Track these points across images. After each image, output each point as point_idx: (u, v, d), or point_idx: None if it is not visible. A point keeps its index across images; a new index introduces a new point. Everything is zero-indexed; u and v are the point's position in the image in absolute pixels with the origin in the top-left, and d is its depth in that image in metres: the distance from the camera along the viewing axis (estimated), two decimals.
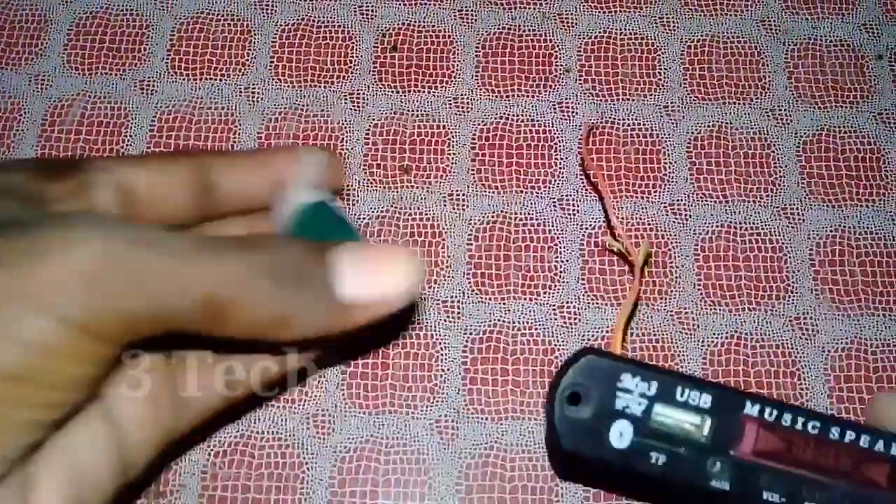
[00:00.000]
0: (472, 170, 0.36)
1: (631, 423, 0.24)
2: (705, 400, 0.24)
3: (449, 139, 0.36)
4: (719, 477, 0.24)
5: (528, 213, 0.35)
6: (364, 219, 0.35)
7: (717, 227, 0.35)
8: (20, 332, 0.19)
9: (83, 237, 0.19)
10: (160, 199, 0.25)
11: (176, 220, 0.26)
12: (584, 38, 0.38)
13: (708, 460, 0.24)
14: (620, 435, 0.24)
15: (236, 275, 0.20)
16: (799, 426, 0.24)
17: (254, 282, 0.20)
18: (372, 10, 0.39)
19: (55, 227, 0.20)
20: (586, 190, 0.35)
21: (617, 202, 0.35)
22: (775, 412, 0.24)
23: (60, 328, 0.19)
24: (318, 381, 0.32)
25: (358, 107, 0.37)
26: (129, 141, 0.36)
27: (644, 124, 0.37)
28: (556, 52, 0.38)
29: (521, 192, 0.35)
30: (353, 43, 0.38)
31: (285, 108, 0.37)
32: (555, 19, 0.39)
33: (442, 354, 0.33)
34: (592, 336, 0.33)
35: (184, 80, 0.37)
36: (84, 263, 0.19)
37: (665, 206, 0.35)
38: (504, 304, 0.33)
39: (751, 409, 0.24)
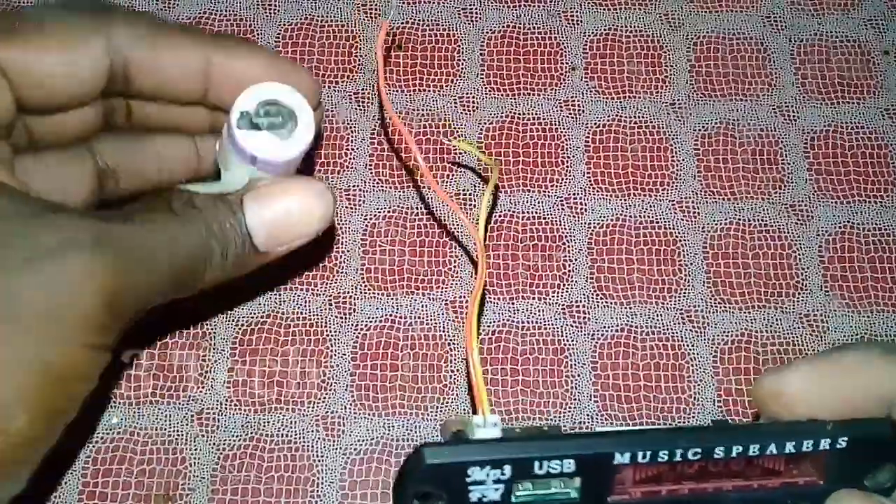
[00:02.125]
0: (479, 168, 0.35)
1: None
2: (568, 466, 0.21)
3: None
4: None
5: (536, 212, 0.35)
6: (370, 218, 0.34)
7: (725, 224, 0.35)
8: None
9: (95, 261, 0.21)
10: (64, 83, 0.24)
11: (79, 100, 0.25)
12: (589, 36, 0.38)
13: None
14: None
15: (197, 245, 0.24)
16: (678, 457, 0.21)
17: (207, 249, 0.24)
18: (376, 9, 0.38)
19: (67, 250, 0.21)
20: (594, 188, 0.35)
21: (625, 201, 0.35)
22: (649, 454, 0.21)
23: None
24: (327, 383, 0.32)
25: (363, 106, 0.36)
26: None
27: (651, 122, 0.37)
28: (561, 49, 0.38)
29: (529, 190, 0.35)
30: (357, 42, 0.38)
31: None
32: (560, 17, 0.38)
33: (451, 355, 0.32)
34: (602, 335, 0.33)
35: None
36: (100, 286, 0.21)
37: (673, 204, 0.35)
38: (513, 303, 0.33)
39: (622, 459, 0.21)
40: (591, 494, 0.22)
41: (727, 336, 0.33)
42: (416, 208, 0.35)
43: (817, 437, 0.22)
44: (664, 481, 0.22)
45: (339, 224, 0.34)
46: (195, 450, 0.31)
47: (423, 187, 0.35)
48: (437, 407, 0.32)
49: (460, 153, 0.35)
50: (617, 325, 0.33)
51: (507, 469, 0.21)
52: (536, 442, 0.21)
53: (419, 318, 0.33)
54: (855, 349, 0.23)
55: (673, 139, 0.36)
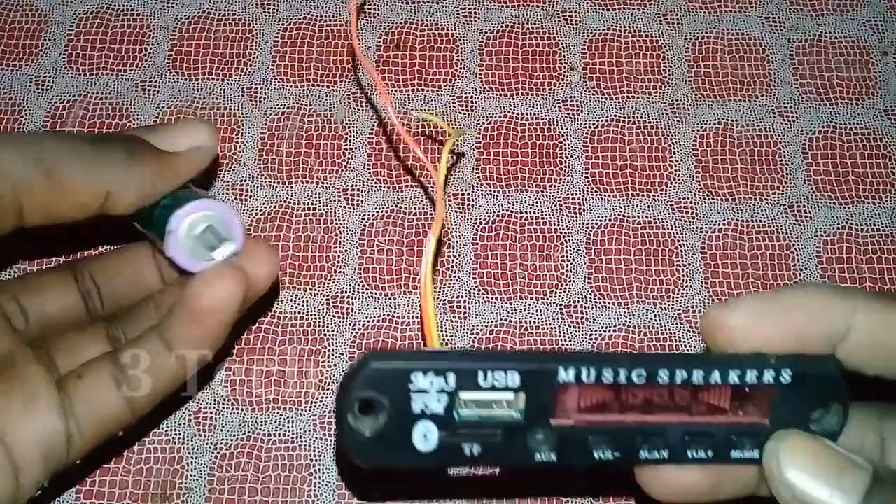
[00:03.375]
0: (477, 169, 0.35)
1: (434, 422, 0.21)
2: (513, 379, 0.21)
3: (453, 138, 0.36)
4: (543, 450, 0.22)
5: (534, 212, 0.35)
6: (368, 218, 0.34)
7: (723, 225, 0.35)
8: None
9: None
10: None
11: None
12: (588, 36, 0.38)
13: (528, 436, 0.21)
14: (425, 437, 0.21)
15: (56, 144, 0.24)
16: (623, 379, 0.21)
17: (69, 146, 0.24)
18: (375, 9, 0.38)
19: None
20: (592, 188, 0.35)
21: (624, 201, 0.35)
22: (593, 371, 0.21)
23: None
24: (325, 383, 0.32)
25: (361, 106, 0.36)
26: None
27: (649, 122, 0.36)
28: (560, 49, 0.38)
29: (527, 191, 0.35)
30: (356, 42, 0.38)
31: (288, 107, 0.36)
32: (559, 17, 0.38)
33: None
34: (600, 335, 0.33)
35: (185, 80, 0.37)
36: None
37: (671, 205, 0.35)
38: (510, 303, 0.33)
39: (566, 376, 0.21)
40: (535, 416, 0.21)
41: None
42: (414, 208, 0.35)
43: (761, 367, 0.22)
44: (609, 411, 0.22)
45: (336, 224, 0.34)
46: (192, 449, 0.31)
47: (422, 187, 0.35)
48: None
49: (426, 125, 0.36)
50: (615, 326, 0.33)
51: (451, 378, 0.21)
52: (482, 355, 0.21)
53: (417, 317, 0.33)
54: (803, 286, 0.23)
55: (671, 139, 0.36)
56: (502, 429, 0.21)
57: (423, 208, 0.35)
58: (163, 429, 0.31)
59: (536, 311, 0.33)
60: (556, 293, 0.33)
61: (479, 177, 0.35)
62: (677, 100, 0.37)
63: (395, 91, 0.37)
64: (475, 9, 0.38)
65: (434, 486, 0.30)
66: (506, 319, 0.33)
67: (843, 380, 0.22)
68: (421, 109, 0.36)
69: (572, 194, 0.35)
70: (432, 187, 0.35)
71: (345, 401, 0.21)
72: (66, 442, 0.24)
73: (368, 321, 0.33)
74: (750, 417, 0.22)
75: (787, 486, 0.21)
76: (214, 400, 0.32)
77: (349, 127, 0.36)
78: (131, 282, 0.29)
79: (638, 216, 0.35)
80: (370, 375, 0.21)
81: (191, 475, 0.31)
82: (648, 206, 0.35)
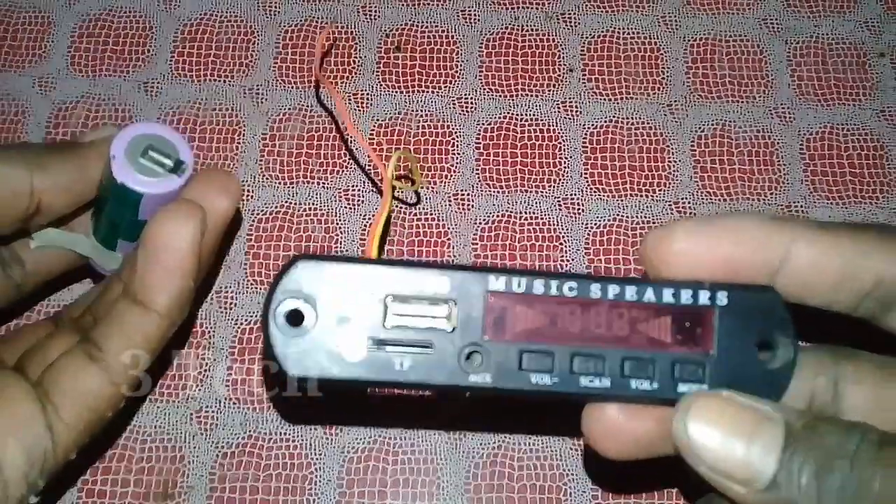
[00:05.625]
0: (477, 170, 0.36)
1: (363, 329, 0.20)
2: (442, 284, 0.20)
3: (453, 139, 0.36)
4: (478, 371, 0.20)
5: (533, 213, 0.35)
6: (368, 218, 0.35)
7: None
8: None
9: None
10: None
11: None
12: (587, 38, 0.38)
13: (461, 354, 0.20)
14: (354, 346, 0.20)
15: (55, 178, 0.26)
16: (554, 291, 0.20)
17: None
18: (375, 11, 0.39)
19: None
20: (591, 189, 0.35)
21: (622, 201, 0.35)
22: (524, 281, 0.20)
23: None
24: None
25: (362, 107, 0.37)
26: None
27: (648, 123, 0.37)
28: (559, 51, 0.38)
29: (526, 191, 0.35)
30: (356, 43, 0.38)
31: (290, 109, 0.37)
32: (558, 19, 0.39)
33: None
34: None
35: (188, 81, 0.37)
36: None
37: (669, 205, 0.35)
38: None
39: (496, 285, 0.20)
40: (468, 330, 0.20)
41: None
42: (414, 208, 0.35)
43: (696, 289, 0.21)
44: (545, 336, 0.21)
45: (337, 224, 0.35)
46: (194, 448, 0.31)
47: (421, 188, 0.35)
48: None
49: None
50: None
51: (381, 281, 0.20)
52: (411, 262, 0.21)
53: None
54: (741, 213, 0.22)
55: (670, 140, 0.36)
56: (434, 344, 0.20)
57: (423, 209, 0.35)
58: (164, 428, 0.31)
59: None
60: None
61: (478, 177, 0.36)
62: (675, 101, 0.37)
63: (396, 92, 0.37)
64: (475, 11, 0.39)
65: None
66: None
67: (785, 307, 0.21)
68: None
69: (571, 195, 0.35)
70: (432, 188, 0.35)
71: (273, 303, 0.20)
72: (48, 431, 0.23)
73: None
74: (693, 348, 0.21)
75: (699, 455, 0.20)
76: (216, 399, 0.32)
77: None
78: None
79: (637, 217, 0.35)
80: (299, 275, 0.20)
81: (192, 474, 0.31)
82: (647, 207, 0.35)
